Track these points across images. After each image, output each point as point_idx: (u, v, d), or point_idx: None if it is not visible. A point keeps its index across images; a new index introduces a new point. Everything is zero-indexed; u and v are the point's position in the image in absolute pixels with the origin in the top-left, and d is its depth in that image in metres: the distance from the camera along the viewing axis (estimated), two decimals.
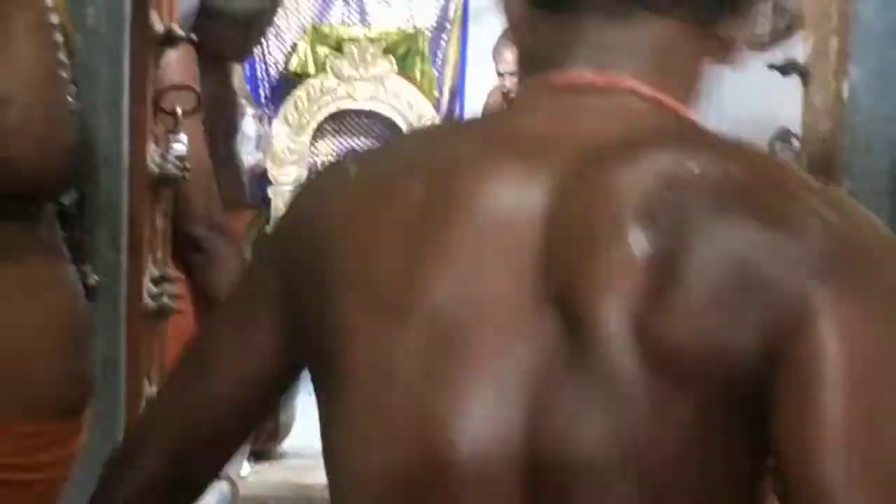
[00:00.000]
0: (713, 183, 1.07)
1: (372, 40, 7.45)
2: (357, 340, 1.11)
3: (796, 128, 2.41)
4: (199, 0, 3.00)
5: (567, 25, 1.17)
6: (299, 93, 7.49)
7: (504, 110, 1.19)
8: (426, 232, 1.10)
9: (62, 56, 1.70)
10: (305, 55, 7.54)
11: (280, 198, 6.49)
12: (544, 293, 1.07)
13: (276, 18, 7.31)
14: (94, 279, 1.88)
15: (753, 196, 1.06)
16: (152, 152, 2.41)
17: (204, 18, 2.96)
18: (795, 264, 1.02)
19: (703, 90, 1.20)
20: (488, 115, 1.15)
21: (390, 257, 1.11)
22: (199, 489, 1.28)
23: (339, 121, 7.44)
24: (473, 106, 7.13)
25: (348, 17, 7.68)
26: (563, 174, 1.09)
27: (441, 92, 7.57)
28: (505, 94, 5.34)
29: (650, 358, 1.03)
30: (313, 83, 7.50)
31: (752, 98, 5.48)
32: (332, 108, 7.40)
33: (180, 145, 2.52)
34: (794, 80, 2.38)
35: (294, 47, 7.59)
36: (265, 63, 7.51)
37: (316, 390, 1.17)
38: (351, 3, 7.67)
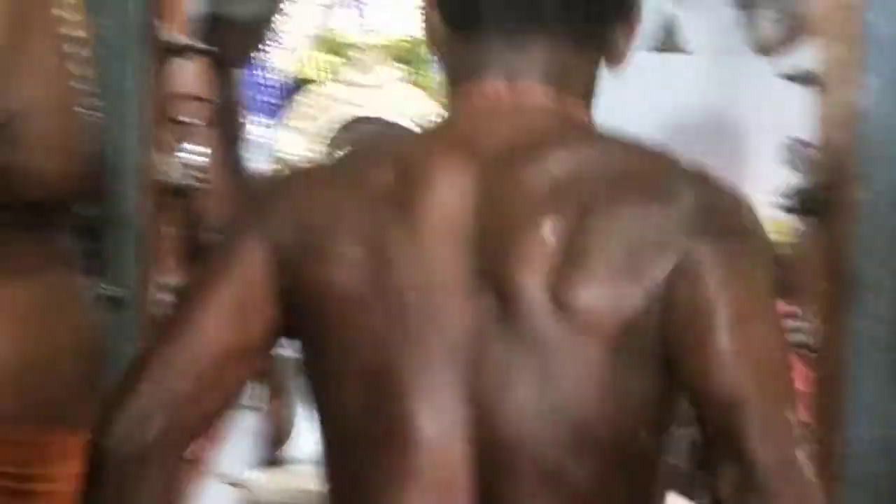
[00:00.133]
0: (606, 173, 1.34)
1: (377, 47, 7.46)
2: (337, 296, 1.33)
3: (809, 137, 2.41)
4: (202, 7, 3.00)
5: (479, 46, 1.41)
6: (304, 100, 7.50)
7: (442, 118, 1.47)
8: (388, 214, 1.34)
9: (81, 69, 1.70)
10: (310, 62, 7.55)
11: None
12: (477, 271, 1.32)
13: (279, 25, 7.34)
14: (109, 290, 1.89)
15: (640, 181, 1.34)
16: (163, 162, 2.41)
17: (207, 25, 2.96)
18: (677, 230, 1.30)
19: (598, 92, 1.45)
20: (435, 121, 1.47)
21: (362, 235, 1.34)
22: (189, 441, 1.39)
23: (344, 127, 7.44)
24: None
25: (353, 24, 7.69)
26: (485, 173, 1.34)
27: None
28: None
29: (563, 316, 1.29)
30: (318, 90, 7.51)
31: (765, 108, 5.50)
32: (337, 115, 7.41)
33: (193, 155, 2.52)
34: (807, 90, 2.37)
35: (298, 54, 7.59)
36: (269, 70, 7.52)
37: (297, 331, 1.38)
38: (355, 10, 7.68)
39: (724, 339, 1.27)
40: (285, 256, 1.36)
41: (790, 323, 2.31)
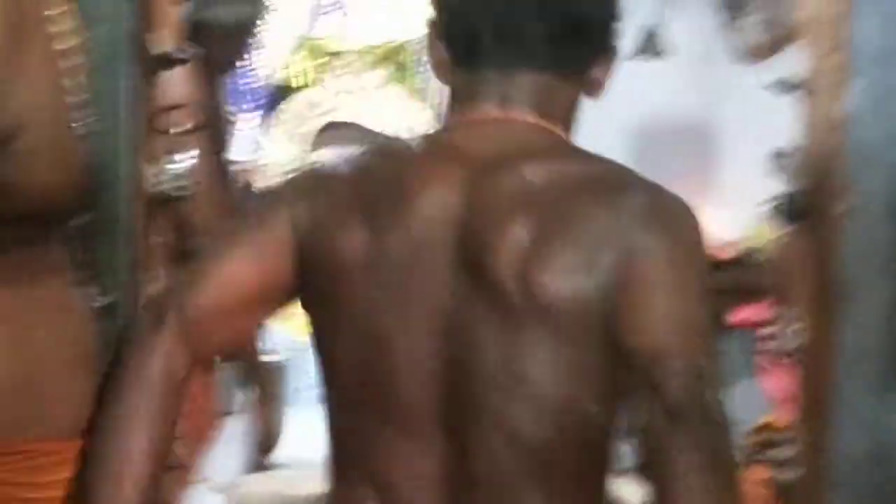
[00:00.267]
0: (574, 181, 1.62)
1: (362, 52, 7.46)
2: (341, 268, 1.61)
3: (794, 144, 2.42)
4: (185, 12, 3.00)
5: (476, 77, 1.71)
6: (289, 105, 7.50)
7: (437, 131, 1.79)
8: (387, 206, 1.62)
9: (75, 80, 1.71)
10: (295, 67, 7.55)
11: None
12: (459, 258, 1.60)
13: (265, 31, 7.34)
14: (102, 300, 1.90)
15: (601, 188, 1.62)
16: (152, 171, 2.42)
17: (191, 30, 2.96)
18: (624, 228, 1.57)
19: (577, 117, 1.76)
20: (430, 133, 1.81)
21: (365, 221, 1.61)
22: (208, 356, 1.71)
23: (329, 132, 7.44)
24: None
25: (338, 30, 7.69)
26: (472, 177, 1.63)
27: (431, 103, 7.58)
28: None
29: (527, 299, 1.56)
30: (302, 95, 7.51)
31: (747, 114, 5.51)
32: (322, 120, 7.41)
33: (180, 163, 2.52)
34: (792, 98, 2.39)
35: (284, 59, 7.60)
36: (255, 75, 7.52)
37: (305, 298, 1.67)
38: (341, 15, 7.68)
39: (652, 304, 1.55)
40: (303, 233, 1.65)
41: (776, 330, 2.32)
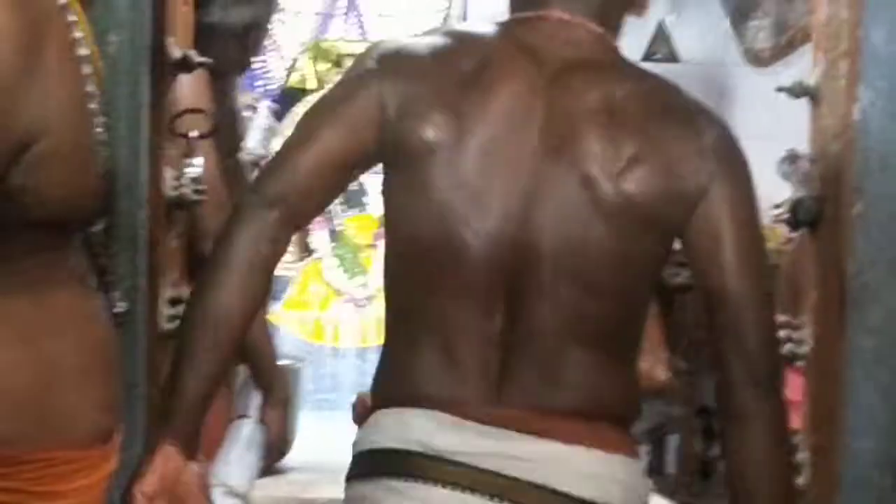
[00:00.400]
0: (644, 95, 1.82)
1: None
2: (426, 149, 1.77)
3: (805, 149, 2.42)
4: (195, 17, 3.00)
5: None
6: (300, 108, 7.51)
7: (508, 25, 1.90)
8: (472, 94, 1.78)
9: (92, 87, 1.72)
10: (306, 71, 7.57)
11: None
12: (541, 151, 1.77)
13: (275, 34, 7.34)
14: (120, 306, 1.90)
15: (671, 107, 1.83)
16: (168, 176, 2.43)
17: (201, 34, 2.96)
18: (700, 158, 1.79)
19: (622, 31, 1.90)
20: (501, 25, 1.90)
21: (449, 101, 1.77)
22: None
23: None
24: None
25: (348, 33, 7.71)
26: (550, 77, 1.80)
27: None
28: None
29: (602, 192, 1.75)
30: (314, 99, 7.52)
31: (761, 119, 5.51)
32: None
33: (195, 168, 2.54)
34: (803, 102, 2.39)
35: (294, 63, 7.61)
36: (265, 79, 7.53)
37: (385, 171, 1.83)
38: (351, 18, 7.70)
39: (736, 255, 1.78)
40: (388, 107, 1.79)
41: (787, 334, 2.33)
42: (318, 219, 4.44)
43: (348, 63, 7.94)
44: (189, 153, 2.60)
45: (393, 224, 1.85)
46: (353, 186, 6.70)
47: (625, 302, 1.82)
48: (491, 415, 1.76)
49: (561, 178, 1.77)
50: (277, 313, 6.99)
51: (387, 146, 1.80)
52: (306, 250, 7.62)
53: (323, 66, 7.55)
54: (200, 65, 2.52)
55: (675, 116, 1.83)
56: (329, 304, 7.53)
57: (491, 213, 1.76)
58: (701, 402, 5.31)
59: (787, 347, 2.32)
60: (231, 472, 2.97)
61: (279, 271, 2.23)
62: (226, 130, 3.10)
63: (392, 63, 1.83)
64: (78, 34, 1.71)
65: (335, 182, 1.84)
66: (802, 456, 2.27)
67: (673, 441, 5.74)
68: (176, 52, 2.44)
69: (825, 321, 2.27)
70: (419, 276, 1.81)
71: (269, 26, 3.44)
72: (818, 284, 2.31)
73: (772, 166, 2.45)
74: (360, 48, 8.35)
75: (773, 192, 2.48)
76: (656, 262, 1.83)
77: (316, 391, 7.48)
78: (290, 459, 5.21)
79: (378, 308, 7.30)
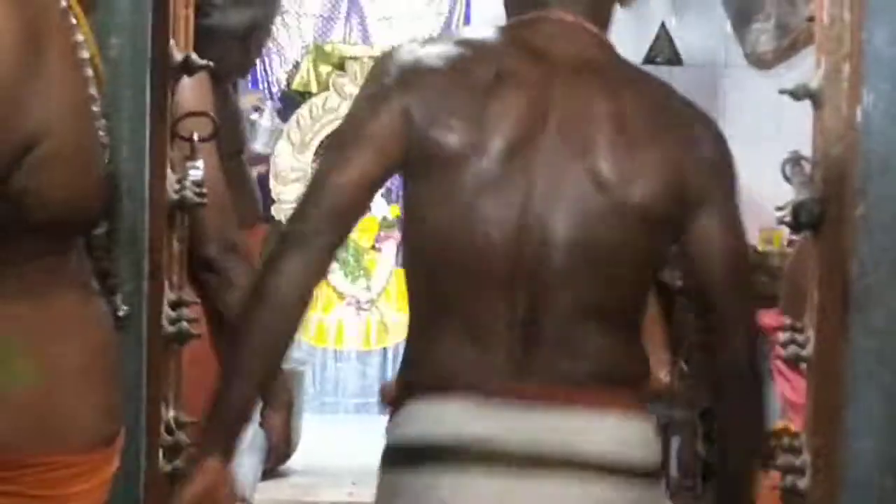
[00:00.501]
0: (646, 100, 1.97)
1: (374, 58, 7.46)
2: (449, 154, 1.90)
3: (808, 151, 2.42)
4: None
5: None
6: (302, 111, 7.52)
7: (515, 28, 2.03)
8: (490, 102, 1.91)
9: (93, 90, 1.72)
10: (308, 74, 7.57)
11: (283, 216, 6.49)
12: (554, 148, 1.92)
13: (278, 37, 7.33)
14: (123, 309, 1.90)
15: (671, 112, 1.99)
16: (170, 179, 2.43)
17: (201, 36, 2.96)
18: (700, 167, 1.96)
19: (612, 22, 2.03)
20: (506, 29, 2.05)
21: (470, 111, 1.91)
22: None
23: (325, 139, 7.45)
24: None
25: (350, 36, 7.71)
26: (560, 77, 1.94)
27: None
28: None
29: (610, 188, 1.91)
30: (316, 101, 7.52)
31: (764, 121, 5.50)
32: (335, 126, 7.41)
33: (197, 171, 2.54)
34: (806, 105, 2.39)
35: (296, 66, 7.61)
36: (268, 82, 7.53)
37: (411, 178, 1.95)
38: (353, 21, 7.70)
39: (726, 266, 1.97)
40: (414, 120, 1.91)
41: (790, 336, 2.33)
42: None
43: (350, 66, 7.95)
44: (191, 156, 2.60)
45: (419, 226, 1.98)
46: None
47: (631, 286, 2.00)
48: (517, 391, 1.91)
49: (575, 179, 1.92)
50: None
51: (413, 156, 1.93)
52: None
53: (325, 69, 7.55)
54: (202, 67, 2.52)
55: (675, 122, 1.99)
56: (331, 307, 7.53)
57: (513, 212, 1.91)
58: (703, 404, 5.31)
59: (790, 349, 2.32)
60: (234, 475, 2.96)
61: None
62: (227, 133, 3.10)
63: (412, 76, 1.95)
64: (79, 37, 1.71)
65: (369, 200, 1.97)
66: (804, 457, 2.28)
67: (675, 443, 5.73)
68: (177, 55, 2.44)
69: (828, 323, 2.27)
70: (447, 272, 1.94)
71: (271, 28, 3.44)
72: (821, 286, 2.31)
73: (774, 169, 2.44)
74: (361, 51, 8.34)
75: (776, 194, 2.48)
76: (659, 253, 2.00)
77: (318, 394, 7.48)
78: (292, 462, 5.21)
79: (380, 311, 7.31)
